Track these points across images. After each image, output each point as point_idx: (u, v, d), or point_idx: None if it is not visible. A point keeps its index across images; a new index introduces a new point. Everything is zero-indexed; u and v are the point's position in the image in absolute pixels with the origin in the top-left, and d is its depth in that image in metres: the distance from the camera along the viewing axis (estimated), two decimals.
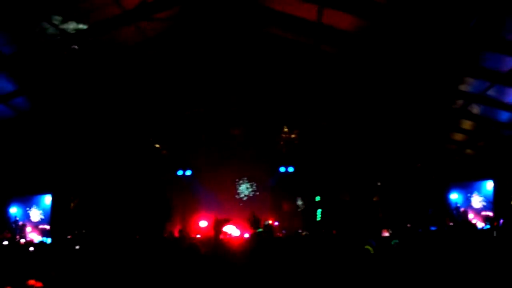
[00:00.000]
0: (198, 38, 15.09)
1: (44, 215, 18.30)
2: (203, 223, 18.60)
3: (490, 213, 15.91)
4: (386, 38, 12.11)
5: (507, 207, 15.12)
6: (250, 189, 20.22)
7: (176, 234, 15.83)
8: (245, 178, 20.12)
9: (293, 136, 19.33)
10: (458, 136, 16.15)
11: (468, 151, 16.57)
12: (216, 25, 14.51)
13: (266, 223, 16.69)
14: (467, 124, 15.20)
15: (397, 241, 8.83)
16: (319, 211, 19.26)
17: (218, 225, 8.08)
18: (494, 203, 16.18)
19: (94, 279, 7.43)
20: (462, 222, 15.28)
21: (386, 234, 10.32)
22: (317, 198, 19.42)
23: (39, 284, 6.27)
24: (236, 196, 20.07)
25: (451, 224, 14.94)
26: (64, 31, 11.51)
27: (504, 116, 13.79)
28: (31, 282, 6.25)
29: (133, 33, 13.37)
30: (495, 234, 13.26)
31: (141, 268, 7.74)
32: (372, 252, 8.52)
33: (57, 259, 9.53)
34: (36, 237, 17.78)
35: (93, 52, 13.17)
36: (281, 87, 17.24)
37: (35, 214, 18.30)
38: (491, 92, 12.70)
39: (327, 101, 17.25)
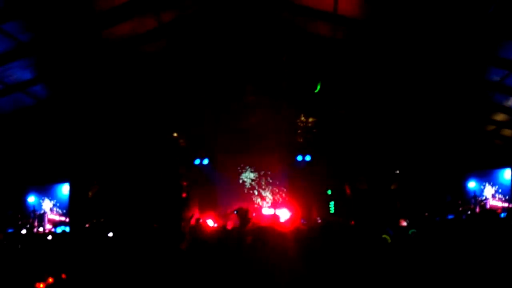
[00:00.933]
0: (216, 26, 15.09)
1: (59, 205, 18.47)
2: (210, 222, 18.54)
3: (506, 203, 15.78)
4: (401, 25, 12.02)
5: None
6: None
7: (193, 222, 15.84)
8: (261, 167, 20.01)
9: (310, 124, 19.26)
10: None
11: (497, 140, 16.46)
12: (232, 13, 14.48)
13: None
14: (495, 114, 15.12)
15: (414, 230, 8.76)
16: (332, 203, 19.22)
17: (243, 215, 8.01)
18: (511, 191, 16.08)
19: (110, 270, 7.43)
20: (483, 210, 15.16)
21: (403, 223, 10.28)
22: (329, 192, 19.38)
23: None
24: (253, 185, 20.02)
25: (469, 212, 14.86)
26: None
27: None
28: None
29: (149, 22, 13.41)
30: None
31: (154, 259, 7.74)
32: (389, 241, 8.47)
33: (75, 249, 9.56)
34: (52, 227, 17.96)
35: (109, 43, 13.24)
36: (298, 76, 17.20)
37: (48, 205, 18.44)
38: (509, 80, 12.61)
39: (344, 89, 17.17)
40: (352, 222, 13.75)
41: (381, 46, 13.67)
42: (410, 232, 8.79)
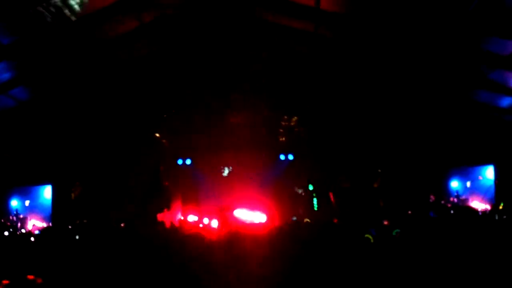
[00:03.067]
0: (196, 24, 15.05)
1: (40, 208, 18.32)
2: (191, 217, 18.49)
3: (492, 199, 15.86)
4: (384, 21, 12.04)
5: (508, 192, 15.14)
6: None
7: (176, 223, 15.79)
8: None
9: (292, 123, 19.27)
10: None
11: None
12: (212, 12, 14.44)
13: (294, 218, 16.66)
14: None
15: (398, 230, 8.76)
16: (315, 200, 19.24)
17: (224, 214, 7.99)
18: (495, 188, 16.16)
19: (94, 270, 7.37)
20: (463, 208, 15.23)
21: (386, 223, 10.28)
22: (310, 187, 19.39)
23: (39, 280, 6.20)
24: (237, 184, 19.96)
25: (452, 212, 14.91)
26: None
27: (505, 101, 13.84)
28: (31, 277, 6.18)
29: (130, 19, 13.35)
30: (496, 217, 13.25)
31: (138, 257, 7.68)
32: (372, 241, 8.48)
33: (57, 250, 9.48)
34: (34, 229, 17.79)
35: (91, 41, 13.14)
36: (280, 74, 17.21)
37: (30, 208, 18.31)
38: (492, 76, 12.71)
39: (326, 87, 17.20)
40: (335, 221, 13.76)
41: (363, 41, 13.69)
42: (394, 232, 8.78)
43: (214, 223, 16.30)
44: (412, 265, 6.80)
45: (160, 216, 16.33)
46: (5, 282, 5.79)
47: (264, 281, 6.47)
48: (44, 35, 11.64)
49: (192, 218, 18.06)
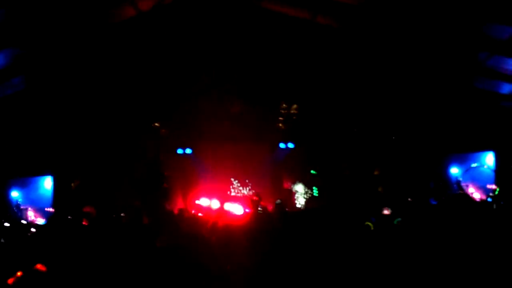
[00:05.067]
0: (194, 13, 15.00)
1: (40, 199, 18.31)
2: (204, 201, 18.58)
3: (492, 186, 15.79)
4: (385, 12, 12.02)
5: (508, 178, 15.13)
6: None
7: (176, 212, 15.80)
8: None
9: (292, 111, 19.23)
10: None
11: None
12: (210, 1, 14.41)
13: (278, 201, 16.63)
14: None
15: (399, 219, 8.76)
16: (315, 188, 19.27)
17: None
18: (495, 174, 16.14)
19: (95, 261, 7.38)
20: (460, 195, 15.23)
21: (386, 212, 10.28)
22: (313, 172, 19.39)
23: (43, 268, 6.21)
24: (237, 174, 19.97)
25: (451, 198, 14.90)
26: None
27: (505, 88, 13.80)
28: (38, 266, 6.19)
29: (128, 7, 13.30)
30: (494, 206, 13.25)
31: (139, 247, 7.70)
32: (372, 228, 8.50)
33: (58, 241, 9.49)
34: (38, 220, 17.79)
35: (89, 29, 13.10)
36: (279, 63, 17.15)
37: (30, 199, 18.30)
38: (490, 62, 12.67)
39: (326, 75, 17.16)
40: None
41: (364, 30, 13.68)
42: (395, 221, 8.78)
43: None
44: (413, 253, 6.80)
45: (161, 206, 16.34)
46: (19, 273, 5.81)
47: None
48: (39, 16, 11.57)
49: (204, 201, 18.10)
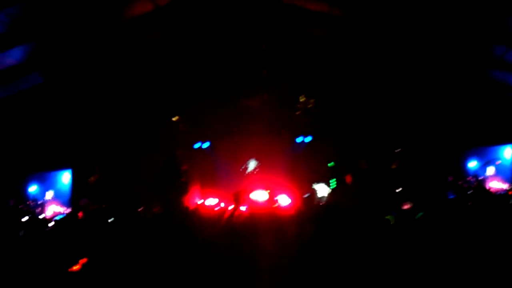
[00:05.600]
0: (212, 8, 15.02)
1: (58, 194, 18.44)
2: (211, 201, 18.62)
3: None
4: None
5: None
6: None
7: (192, 207, 15.86)
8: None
9: (310, 105, 19.18)
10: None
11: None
12: None
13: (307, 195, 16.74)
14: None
15: (422, 213, 8.70)
16: (333, 180, 19.22)
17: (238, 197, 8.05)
18: None
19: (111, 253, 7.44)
20: (478, 189, 15.18)
21: (407, 206, 10.22)
22: (330, 164, 19.34)
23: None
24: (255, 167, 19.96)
25: (469, 192, 14.85)
26: None
27: None
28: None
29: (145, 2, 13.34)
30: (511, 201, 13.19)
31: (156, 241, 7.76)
32: (392, 222, 8.46)
33: (79, 235, 9.57)
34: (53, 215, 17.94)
35: (107, 23, 13.17)
36: (297, 55, 17.13)
37: (49, 194, 18.44)
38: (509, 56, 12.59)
39: (344, 69, 17.12)
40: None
41: (382, 22, 13.62)
42: (417, 216, 8.72)
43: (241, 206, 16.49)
44: (434, 246, 6.79)
45: (179, 201, 16.39)
46: (83, 260, 5.94)
47: (278, 258, 6.56)
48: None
49: (211, 201, 18.14)
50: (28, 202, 17.58)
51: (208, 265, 6.54)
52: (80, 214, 14.17)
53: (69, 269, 6.09)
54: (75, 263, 6.29)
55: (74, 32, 12.76)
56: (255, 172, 19.60)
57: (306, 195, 16.79)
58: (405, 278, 6.15)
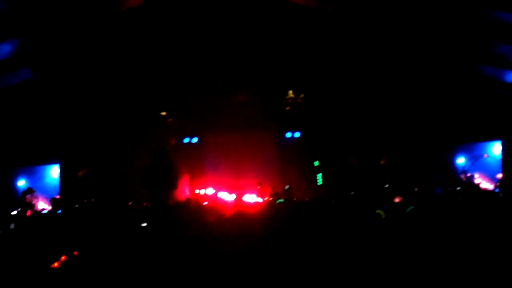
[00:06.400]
0: (199, 2, 14.97)
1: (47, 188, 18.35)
2: (210, 191, 18.75)
3: (499, 175, 15.81)
4: None
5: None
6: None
7: (183, 201, 15.88)
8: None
9: (299, 100, 19.21)
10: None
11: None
12: None
13: (287, 187, 16.87)
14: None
15: (412, 207, 8.76)
16: (319, 175, 19.32)
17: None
18: (502, 164, 16.18)
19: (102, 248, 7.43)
20: (466, 184, 15.28)
21: (397, 200, 10.28)
22: (316, 163, 19.44)
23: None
24: (243, 162, 19.97)
25: (458, 188, 14.95)
26: None
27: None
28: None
29: None
30: (501, 195, 13.29)
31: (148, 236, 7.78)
32: (383, 216, 8.50)
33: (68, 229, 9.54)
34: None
35: (95, 17, 13.10)
36: (286, 50, 17.11)
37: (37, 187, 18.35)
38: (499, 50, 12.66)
39: (332, 64, 17.12)
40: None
41: (369, 17, 13.64)
42: (408, 210, 8.78)
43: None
44: (424, 240, 6.83)
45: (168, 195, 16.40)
46: (63, 258, 5.90)
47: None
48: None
49: (209, 191, 18.30)
50: (17, 196, 17.48)
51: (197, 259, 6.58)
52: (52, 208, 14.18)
53: (51, 265, 6.06)
54: (58, 258, 6.26)
55: (63, 26, 12.68)
56: None
57: (286, 187, 16.93)
58: (395, 270, 6.18)
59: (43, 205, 17.74)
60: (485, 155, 17.01)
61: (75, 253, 6.24)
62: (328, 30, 15.45)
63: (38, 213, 16.00)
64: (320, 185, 19.36)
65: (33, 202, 16.35)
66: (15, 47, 12.60)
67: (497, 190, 14.82)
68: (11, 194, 17.45)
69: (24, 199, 16.00)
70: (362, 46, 15.61)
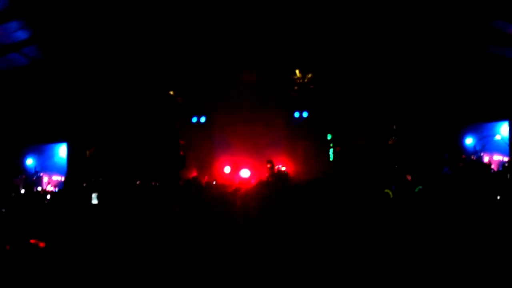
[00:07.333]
0: None
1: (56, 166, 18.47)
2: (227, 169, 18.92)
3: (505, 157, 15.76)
4: None
5: None
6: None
7: (203, 182, 15.88)
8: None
9: (306, 80, 19.11)
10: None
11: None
12: None
13: (280, 167, 16.90)
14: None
15: (420, 187, 8.76)
16: (331, 150, 19.26)
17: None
18: (510, 144, 16.11)
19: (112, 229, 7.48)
20: (474, 164, 15.24)
21: (409, 178, 10.28)
22: (329, 136, 19.35)
23: (42, 244, 6.26)
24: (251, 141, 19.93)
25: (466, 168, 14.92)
26: None
27: None
28: (33, 241, 6.24)
29: None
30: (509, 176, 13.24)
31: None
32: (391, 196, 8.51)
33: (72, 210, 9.58)
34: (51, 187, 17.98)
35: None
36: (294, 29, 16.99)
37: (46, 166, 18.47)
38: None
39: (340, 43, 17.01)
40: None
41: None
42: (416, 189, 8.79)
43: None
44: (432, 219, 6.83)
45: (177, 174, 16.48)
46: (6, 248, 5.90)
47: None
48: None
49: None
50: (26, 174, 17.61)
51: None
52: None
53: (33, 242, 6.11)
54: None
55: (73, 6, 12.65)
56: None
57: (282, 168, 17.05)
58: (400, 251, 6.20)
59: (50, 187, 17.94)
60: (498, 136, 16.88)
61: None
62: (337, 8, 15.34)
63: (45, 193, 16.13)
64: (331, 161, 19.27)
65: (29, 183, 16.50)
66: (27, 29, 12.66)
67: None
68: (20, 172, 17.57)
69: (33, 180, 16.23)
70: (372, 25, 15.50)
